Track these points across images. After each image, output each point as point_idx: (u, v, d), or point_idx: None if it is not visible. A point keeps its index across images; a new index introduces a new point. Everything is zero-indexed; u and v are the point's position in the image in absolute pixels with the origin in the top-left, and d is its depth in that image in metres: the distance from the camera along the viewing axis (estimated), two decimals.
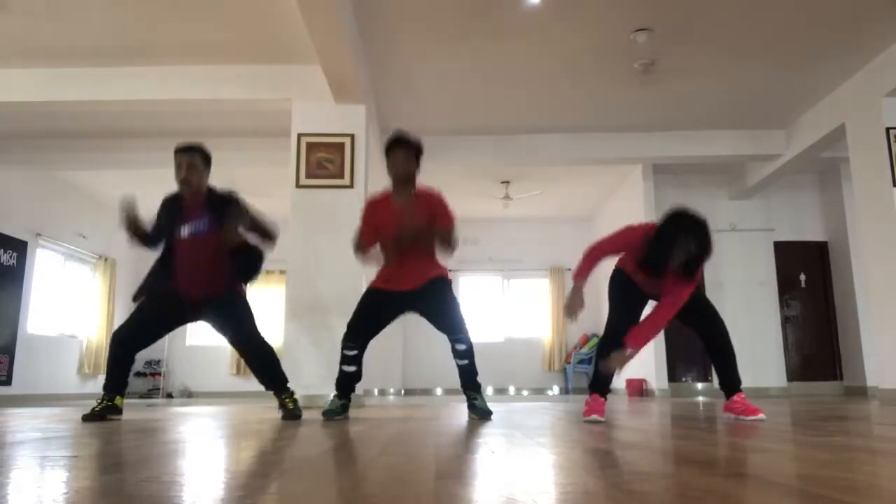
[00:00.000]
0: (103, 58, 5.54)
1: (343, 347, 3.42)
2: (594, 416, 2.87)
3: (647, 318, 2.97)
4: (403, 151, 3.33)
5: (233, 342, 3.44)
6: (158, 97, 5.71)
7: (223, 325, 3.40)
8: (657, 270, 2.82)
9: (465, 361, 3.33)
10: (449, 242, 3.28)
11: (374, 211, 3.40)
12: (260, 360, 3.42)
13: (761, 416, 2.93)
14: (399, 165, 3.32)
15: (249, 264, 3.40)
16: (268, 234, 3.33)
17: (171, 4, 4.76)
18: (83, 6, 4.78)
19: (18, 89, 5.69)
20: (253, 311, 3.45)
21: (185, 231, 3.28)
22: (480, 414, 3.29)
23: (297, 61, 5.56)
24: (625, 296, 3.10)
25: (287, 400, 3.42)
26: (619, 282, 3.14)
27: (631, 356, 2.87)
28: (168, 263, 3.33)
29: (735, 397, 3.06)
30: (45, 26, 5.05)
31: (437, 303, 3.35)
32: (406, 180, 3.36)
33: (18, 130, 7.01)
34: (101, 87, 5.68)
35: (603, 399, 2.98)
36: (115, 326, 10.10)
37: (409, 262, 3.32)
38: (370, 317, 3.40)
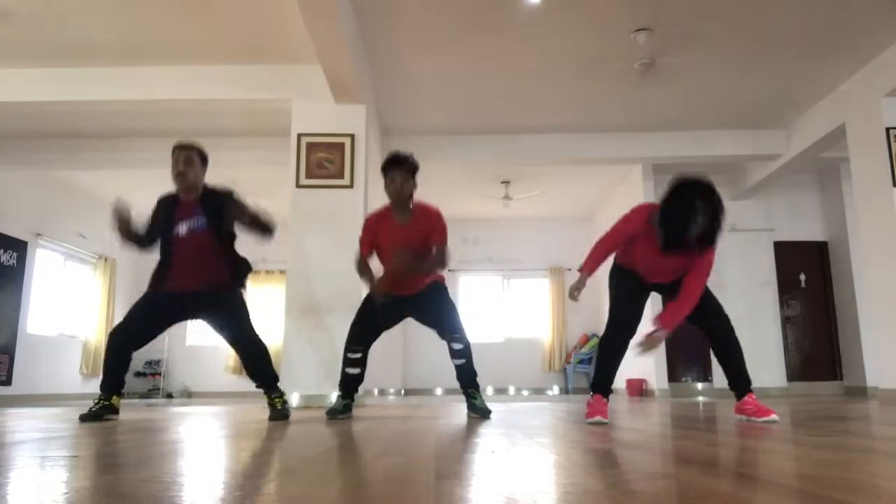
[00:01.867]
0: (103, 58, 5.54)
1: (346, 351, 3.46)
2: (598, 418, 2.82)
3: (680, 295, 2.85)
4: (400, 173, 3.36)
5: (229, 339, 3.44)
6: (158, 97, 5.71)
7: (221, 323, 3.40)
8: (679, 245, 2.67)
9: (462, 361, 3.36)
10: (441, 262, 3.37)
11: (375, 226, 3.46)
12: (253, 357, 3.42)
13: (773, 416, 2.82)
14: (396, 187, 3.35)
15: (242, 270, 3.44)
16: (266, 228, 3.33)
17: (172, 5, 4.76)
18: (83, 7, 4.78)
19: (18, 89, 5.69)
20: (248, 309, 3.47)
21: (182, 228, 3.29)
22: (480, 413, 3.31)
23: (297, 61, 5.56)
24: (626, 287, 3.07)
25: (276, 399, 3.42)
26: (619, 275, 3.12)
27: (663, 337, 2.82)
28: (165, 263, 3.34)
29: (746, 398, 2.95)
30: (46, 26, 5.05)
31: (434, 306, 3.42)
32: (403, 201, 3.41)
33: (18, 130, 7.01)
34: (101, 87, 5.68)
35: (605, 400, 2.93)
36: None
37: (407, 275, 3.38)
38: (371, 321, 3.46)
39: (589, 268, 2.95)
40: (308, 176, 5.52)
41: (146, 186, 8.59)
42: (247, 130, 7.02)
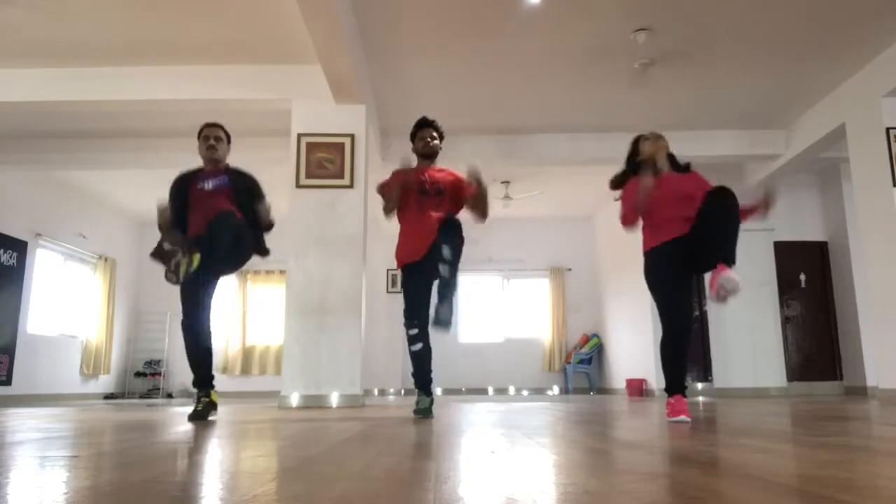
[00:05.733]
0: (104, 58, 5.54)
1: (407, 329, 3.46)
2: (682, 417, 2.86)
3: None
4: (430, 131, 3.64)
5: (215, 267, 3.34)
6: (158, 97, 5.71)
7: (212, 245, 3.19)
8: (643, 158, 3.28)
9: (446, 282, 3.16)
10: (481, 200, 3.47)
11: (403, 175, 3.55)
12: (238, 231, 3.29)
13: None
14: (427, 142, 3.61)
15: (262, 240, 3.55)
16: (270, 223, 3.52)
17: (172, 5, 4.76)
18: (84, 6, 4.78)
19: (18, 89, 5.69)
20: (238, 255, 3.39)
21: (208, 184, 3.47)
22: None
23: (297, 61, 5.57)
24: (663, 273, 3.14)
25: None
26: (650, 263, 3.18)
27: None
28: (182, 220, 3.41)
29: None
30: (46, 26, 5.05)
31: (450, 238, 3.25)
32: (431, 157, 3.63)
33: (18, 130, 7.01)
34: (101, 87, 5.68)
35: (685, 399, 2.99)
36: (116, 326, 10.12)
37: (426, 219, 3.39)
38: (416, 288, 3.47)
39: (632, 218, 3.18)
40: (308, 176, 5.52)
41: (146, 186, 8.60)
42: (247, 130, 7.00)
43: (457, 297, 3.51)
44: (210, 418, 3.35)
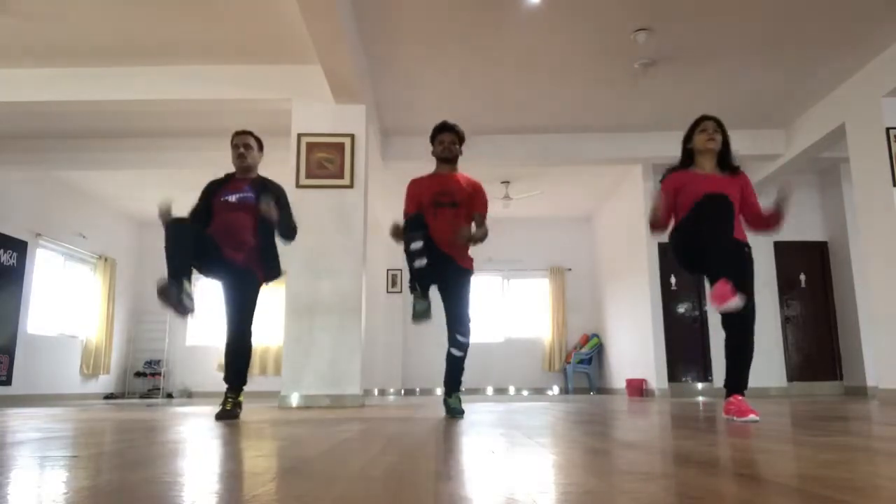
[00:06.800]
0: (104, 58, 5.54)
1: (408, 241, 3.22)
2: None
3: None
4: (450, 135, 3.61)
5: (228, 318, 3.46)
6: (158, 97, 5.71)
7: (231, 296, 3.44)
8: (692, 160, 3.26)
9: (459, 354, 3.47)
10: (480, 225, 3.52)
11: (418, 186, 3.60)
12: (239, 349, 3.48)
13: (753, 416, 2.81)
14: (446, 146, 3.60)
15: (273, 264, 3.58)
16: (292, 232, 3.58)
17: (172, 5, 4.77)
18: (83, 6, 4.78)
19: (18, 89, 5.69)
20: (257, 304, 3.52)
21: (233, 197, 3.50)
22: (451, 413, 3.42)
23: (297, 61, 5.57)
24: (686, 250, 3.07)
25: (230, 400, 3.47)
26: (675, 244, 3.14)
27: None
28: (205, 222, 3.46)
29: (732, 398, 2.97)
30: (46, 26, 5.05)
31: (458, 288, 3.52)
32: (450, 161, 3.62)
33: (18, 130, 7.01)
34: (101, 87, 5.68)
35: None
36: (116, 327, 10.12)
37: (444, 226, 3.41)
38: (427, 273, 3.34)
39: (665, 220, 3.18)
40: (308, 176, 5.52)
41: (146, 186, 8.60)
42: None
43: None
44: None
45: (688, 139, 3.34)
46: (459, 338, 3.47)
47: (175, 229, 3.08)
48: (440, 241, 3.37)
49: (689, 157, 3.32)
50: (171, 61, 5.62)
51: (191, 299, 3.02)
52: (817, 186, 8.62)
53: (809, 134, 6.69)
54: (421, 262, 3.25)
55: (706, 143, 3.24)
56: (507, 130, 7.14)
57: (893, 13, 4.93)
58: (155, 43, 5.34)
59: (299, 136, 5.58)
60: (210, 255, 3.30)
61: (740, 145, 7.17)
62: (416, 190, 3.59)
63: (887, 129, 5.57)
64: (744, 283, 2.86)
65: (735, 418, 2.84)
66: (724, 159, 3.29)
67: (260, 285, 3.52)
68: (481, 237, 3.52)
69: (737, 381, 2.99)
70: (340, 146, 5.56)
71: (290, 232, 3.58)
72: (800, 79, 6.02)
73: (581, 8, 4.83)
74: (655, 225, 3.21)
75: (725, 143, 3.31)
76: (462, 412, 3.46)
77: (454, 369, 3.51)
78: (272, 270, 3.56)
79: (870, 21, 5.04)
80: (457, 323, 3.49)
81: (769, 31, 5.18)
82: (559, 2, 4.76)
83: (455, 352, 3.48)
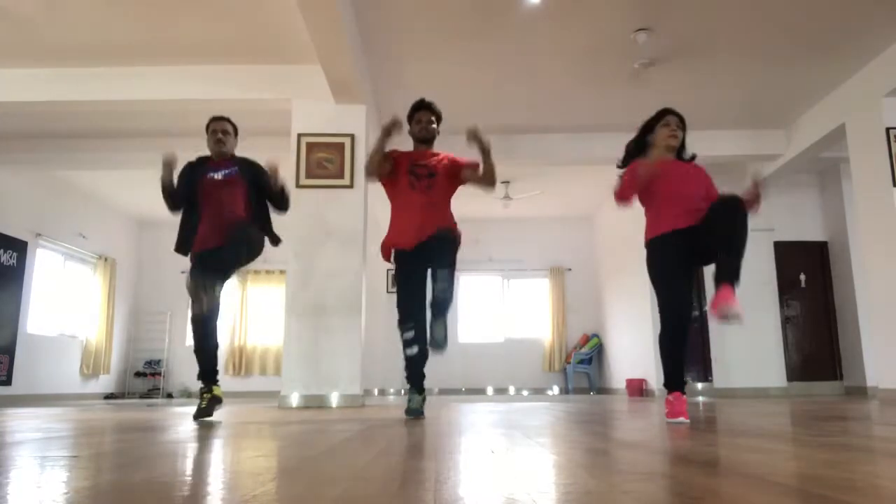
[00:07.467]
0: (103, 58, 5.54)
1: (402, 332, 3.31)
2: (681, 419, 2.72)
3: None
4: (426, 114, 3.48)
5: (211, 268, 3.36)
6: (158, 97, 5.71)
7: (222, 255, 3.29)
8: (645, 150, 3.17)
9: (440, 313, 3.14)
10: (486, 162, 3.39)
11: (398, 153, 3.50)
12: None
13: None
14: (423, 126, 3.47)
15: (272, 232, 3.60)
16: (286, 200, 3.64)
17: (172, 5, 4.77)
18: (83, 7, 4.78)
19: (18, 89, 5.69)
20: (243, 253, 3.37)
21: (219, 174, 3.51)
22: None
23: (297, 61, 5.56)
24: (665, 265, 2.96)
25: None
26: (653, 252, 3.02)
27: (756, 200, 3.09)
28: (192, 221, 3.47)
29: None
30: (45, 26, 5.05)
31: (442, 254, 3.24)
32: (427, 141, 3.51)
33: (18, 130, 7.01)
34: (102, 87, 5.68)
35: (685, 397, 2.84)
36: (116, 327, 10.11)
37: (417, 202, 3.32)
38: (411, 280, 3.34)
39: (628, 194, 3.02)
40: (308, 176, 5.52)
41: (146, 186, 8.59)
42: (247, 130, 7.00)
43: (454, 312, 3.47)
44: (215, 415, 3.35)
45: (648, 129, 3.29)
46: (438, 294, 3.11)
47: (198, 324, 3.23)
48: (416, 221, 3.27)
49: (643, 147, 3.22)
50: (171, 61, 5.62)
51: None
52: (817, 186, 8.61)
53: (809, 134, 6.69)
54: (412, 351, 3.29)
55: (668, 138, 3.19)
56: (508, 130, 7.13)
57: (893, 13, 4.93)
58: (155, 43, 5.33)
59: (299, 136, 5.58)
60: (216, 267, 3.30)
61: (740, 145, 7.20)
62: (396, 154, 3.47)
63: (887, 129, 5.56)
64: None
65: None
66: (679, 154, 3.25)
67: (254, 243, 3.40)
68: (488, 144, 3.37)
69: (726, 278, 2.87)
70: (340, 146, 5.56)
71: (284, 199, 3.61)
72: (800, 79, 6.02)
73: (581, 8, 4.83)
74: (628, 195, 3.03)
75: (683, 140, 3.27)
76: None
77: (435, 322, 3.14)
78: (272, 236, 3.58)
79: (870, 21, 5.04)
80: (437, 280, 3.14)
81: (769, 31, 5.18)
82: (559, 2, 4.76)
83: (435, 310, 3.13)
